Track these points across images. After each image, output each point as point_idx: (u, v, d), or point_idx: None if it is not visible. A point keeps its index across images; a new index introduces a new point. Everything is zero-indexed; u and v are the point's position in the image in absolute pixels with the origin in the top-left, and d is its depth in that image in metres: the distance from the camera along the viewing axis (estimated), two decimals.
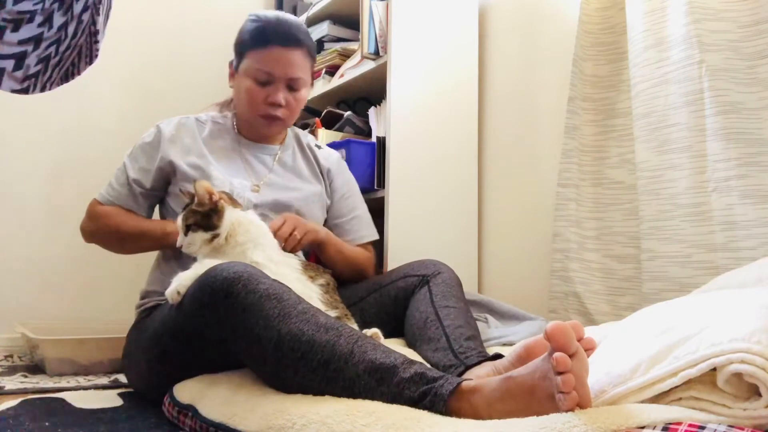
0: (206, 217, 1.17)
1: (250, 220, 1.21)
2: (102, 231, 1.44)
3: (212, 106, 1.62)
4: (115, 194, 1.43)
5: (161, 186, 1.44)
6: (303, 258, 1.48)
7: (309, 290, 1.16)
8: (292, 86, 1.45)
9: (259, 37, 1.42)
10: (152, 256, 1.47)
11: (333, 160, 1.62)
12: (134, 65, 2.30)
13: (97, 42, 0.92)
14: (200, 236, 1.16)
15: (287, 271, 1.17)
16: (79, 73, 0.96)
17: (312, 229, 1.39)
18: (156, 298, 1.32)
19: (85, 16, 0.87)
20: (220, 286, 0.98)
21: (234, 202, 1.24)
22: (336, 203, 1.58)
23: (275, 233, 1.29)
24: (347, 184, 1.63)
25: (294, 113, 1.50)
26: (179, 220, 1.19)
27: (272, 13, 1.49)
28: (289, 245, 1.32)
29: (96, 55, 0.95)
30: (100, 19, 0.90)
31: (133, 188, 1.42)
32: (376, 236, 1.61)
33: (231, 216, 1.18)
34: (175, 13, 2.41)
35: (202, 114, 1.54)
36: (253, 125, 1.49)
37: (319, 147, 1.64)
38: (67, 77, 0.95)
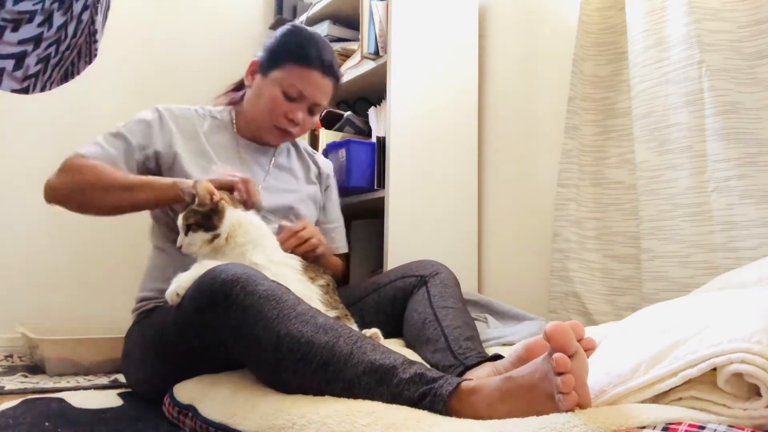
0: (207, 217, 1.16)
1: (249, 220, 1.21)
2: (81, 182, 1.29)
3: (216, 99, 1.60)
4: (105, 154, 1.33)
5: (152, 168, 1.39)
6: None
7: (309, 291, 1.16)
8: (312, 110, 1.48)
9: (304, 56, 1.42)
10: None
11: (330, 167, 1.68)
12: (134, 65, 2.30)
13: (96, 41, 0.92)
14: (200, 236, 1.16)
15: (287, 272, 1.17)
16: (78, 73, 0.96)
17: (325, 243, 1.41)
18: (154, 301, 1.32)
19: (85, 16, 0.87)
20: (219, 287, 0.98)
21: (234, 202, 1.24)
22: (326, 208, 1.63)
23: (296, 233, 1.31)
24: (335, 192, 1.68)
25: (303, 133, 1.54)
26: (179, 219, 1.19)
27: (317, 35, 1.49)
28: (304, 249, 1.32)
29: (95, 55, 0.95)
30: (99, 19, 0.90)
31: (132, 154, 1.35)
32: (347, 249, 1.67)
33: (232, 216, 1.18)
34: (175, 12, 2.41)
35: (197, 106, 1.52)
36: (261, 130, 1.48)
37: (314, 153, 1.68)
38: (66, 77, 0.95)
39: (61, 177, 1.31)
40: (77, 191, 1.30)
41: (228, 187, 1.25)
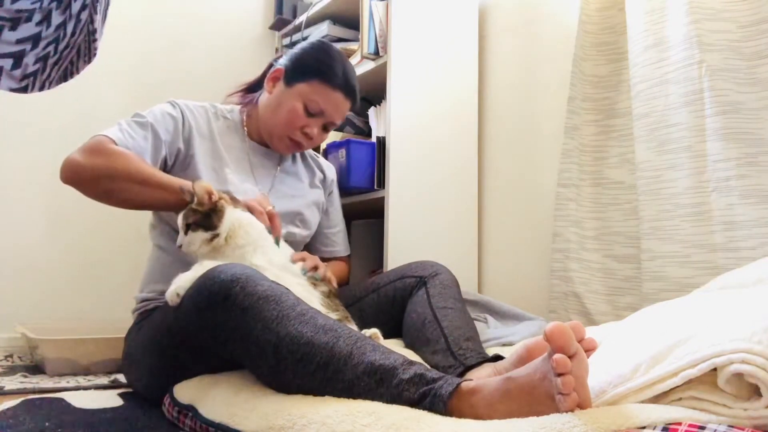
0: (206, 216, 1.16)
1: (249, 221, 1.20)
2: (113, 170, 1.23)
3: (228, 97, 1.58)
4: (135, 145, 1.29)
5: (169, 166, 1.37)
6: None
7: (310, 294, 1.15)
8: (327, 127, 1.49)
9: (332, 76, 1.42)
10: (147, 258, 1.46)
11: (333, 171, 1.68)
12: (134, 63, 2.30)
13: (95, 41, 0.92)
14: (200, 236, 1.16)
15: (288, 275, 1.17)
16: (77, 72, 0.96)
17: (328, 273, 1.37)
18: (154, 302, 1.32)
19: (84, 15, 0.87)
20: (218, 288, 0.98)
21: (236, 202, 1.24)
22: (330, 213, 1.63)
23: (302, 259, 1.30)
24: (338, 197, 1.69)
25: (312, 147, 1.54)
26: (179, 219, 1.19)
27: (344, 55, 1.49)
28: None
29: (94, 54, 0.95)
30: (98, 18, 0.90)
31: (160, 149, 1.33)
32: (349, 252, 1.68)
33: (231, 216, 1.18)
34: (175, 13, 2.41)
35: (207, 103, 1.51)
36: (273, 138, 1.48)
37: (317, 156, 1.68)
38: (66, 76, 0.95)
39: (89, 158, 1.23)
40: (106, 178, 1.23)
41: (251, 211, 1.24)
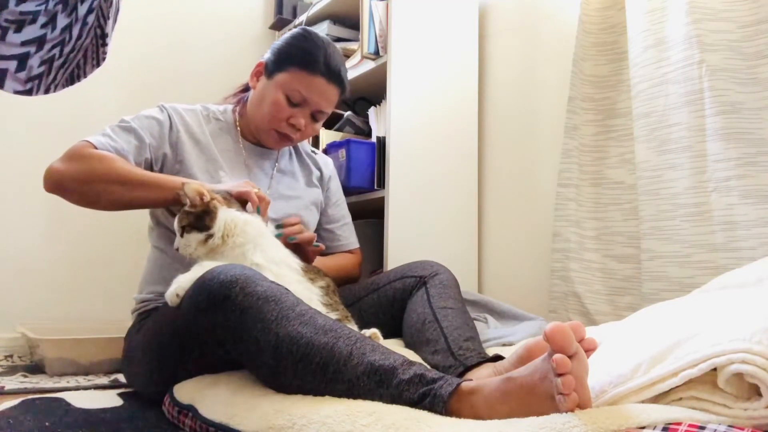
0: (199, 218, 1.16)
1: (245, 220, 1.19)
2: (92, 173, 1.23)
3: (225, 100, 1.57)
4: (116, 147, 1.28)
5: (156, 170, 1.36)
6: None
7: (309, 292, 1.15)
8: (315, 117, 1.45)
9: (310, 61, 1.39)
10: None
11: (331, 167, 1.66)
12: (133, 62, 2.29)
13: (104, 45, 0.92)
14: (195, 237, 1.16)
15: (288, 273, 1.17)
16: (85, 76, 0.95)
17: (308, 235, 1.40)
18: (153, 303, 1.32)
19: (90, 18, 0.87)
20: (217, 288, 0.98)
21: (229, 202, 1.23)
22: (330, 209, 1.61)
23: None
24: (339, 190, 1.66)
25: (304, 138, 1.52)
26: (175, 222, 1.19)
27: (327, 41, 1.45)
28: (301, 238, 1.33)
29: (103, 58, 0.94)
30: (109, 23, 0.90)
31: (143, 152, 1.32)
32: (358, 244, 1.66)
33: (224, 216, 1.17)
34: (175, 13, 2.41)
35: (199, 105, 1.50)
36: (261, 133, 1.47)
37: (315, 152, 1.66)
38: (72, 79, 0.95)
39: (68, 164, 1.23)
40: (86, 182, 1.23)
41: (243, 200, 1.24)
